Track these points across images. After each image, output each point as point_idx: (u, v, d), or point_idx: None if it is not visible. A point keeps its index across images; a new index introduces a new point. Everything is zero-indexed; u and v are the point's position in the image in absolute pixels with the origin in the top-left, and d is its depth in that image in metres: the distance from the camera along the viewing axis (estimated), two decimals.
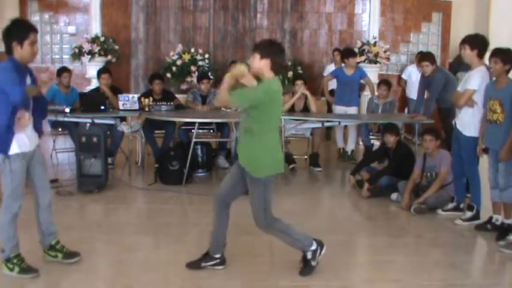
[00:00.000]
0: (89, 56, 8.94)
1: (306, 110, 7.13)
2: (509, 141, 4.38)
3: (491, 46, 4.87)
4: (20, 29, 3.55)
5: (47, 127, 3.80)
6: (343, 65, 7.80)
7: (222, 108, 6.77)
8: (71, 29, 9.68)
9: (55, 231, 3.92)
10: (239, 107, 3.57)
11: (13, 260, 3.67)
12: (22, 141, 3.57)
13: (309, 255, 3.70)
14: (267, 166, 3.56)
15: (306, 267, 3.72)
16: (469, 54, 4.80)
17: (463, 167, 5.04)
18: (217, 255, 3.79)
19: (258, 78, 3.56)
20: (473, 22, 9.39)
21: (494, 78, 4.64)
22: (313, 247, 3.70)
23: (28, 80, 3.62)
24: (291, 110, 7.08)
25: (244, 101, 3.51)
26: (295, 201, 5.70)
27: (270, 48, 3.54)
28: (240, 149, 3.66)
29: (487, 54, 4.82)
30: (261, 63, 3.51)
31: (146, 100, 6.76)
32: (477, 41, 4.81)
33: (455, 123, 5.06)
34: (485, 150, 4.72)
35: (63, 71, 7.28)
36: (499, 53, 4.51)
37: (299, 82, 7.15)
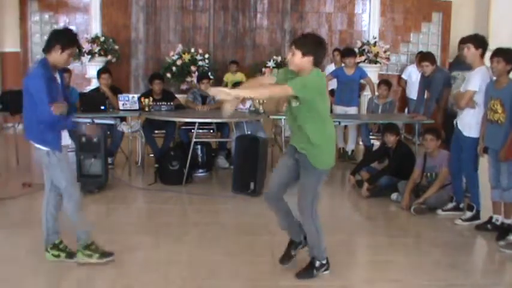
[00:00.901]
0: (89, 56, 8.94)
1: None
2: (509, 141, 4.38)
3: (492, 46, 4.88)
4: (70, 37, 3.70)
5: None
6: (343, 65, 7.80)
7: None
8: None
9: (59, 231, 3.93)
10: (295, 101, 3.39)
11: (91, 246, 3.81)
12: (62, 135, 3.74)
13: (317, 264, 3.69)
14: (328, 157, 3.54)
15: (306, 272, 3.70)
16: (473, 54, 4.78)
17: (461, 167, 5.03)
18: (325, 261, 3.73)
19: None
20: (473, 22, 9.39)
21: (494, 78, 4.64)
22: (324, 261, 3.71)
23: (58, 80, 3.76)
24: None
25: (303, 86, 3.32)
26: (295, 201, 5.69)
27: (313, 45, 3.42)
28: (301, 139, 3.53)
29: (487, 54, 4.83)
30: (303, 60, 3.40)
31: (146, 100, 6.76)
32: (480, 40, 4.81)
33: (456, 123, 5.06)
34: (486, 150, 4.71)
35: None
36: (501, 52, 4.51)
37: None
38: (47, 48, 3.64)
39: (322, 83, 3.50)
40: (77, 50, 3.83)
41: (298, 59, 3.41)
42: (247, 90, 3.57)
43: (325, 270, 3.73)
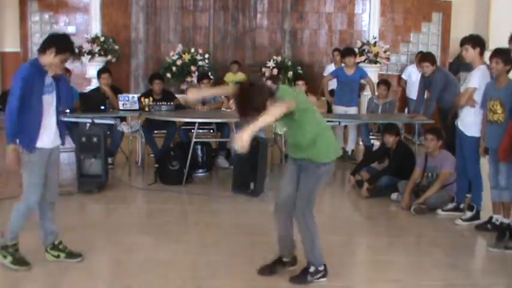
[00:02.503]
0: (89, 56, 8.94)
1: None
2: (505, 142, 4.38)
3: (492, 46, 4.89)
4: (67, 43, 3.70)
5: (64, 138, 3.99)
6: (343, 65, 7.80)
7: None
8: (71, 29, 9.66)
9: (56, 230, 3.94)
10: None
11: (9, 248, 3.73)
12: (44, 137, 3.68)
13: (311, 269, 3.64)
14: (328, 148, 3.53)
15: (300, 277, 3.67)
16: (471, 53, 4.83)
17: (466, 167, 5.04)
18: (321, 268, 3.68)
19: None
20: (473, 22, 9.39)
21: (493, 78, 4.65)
22: (320, 268, 3.66)
23: (48, 80, 3.69)
24: None
25: (291, 99, 3.33)
26: None
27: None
28: (297, 148, 3.57)
29: (487, 54, 4.83)
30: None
31: (146, 100, 6.76)
32: (477, 40, 4.85)
33: (457, 123, 5.06)
34: (487, 150, 4.72)
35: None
36: (500, 53, 4.53)
37: (300, 83, 7.12)
38: (42, 49, 3.64)
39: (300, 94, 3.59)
40: (71, 56, 3.76)
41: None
42: (253, 125, 3.25)
43: (322, 277, 3.66)
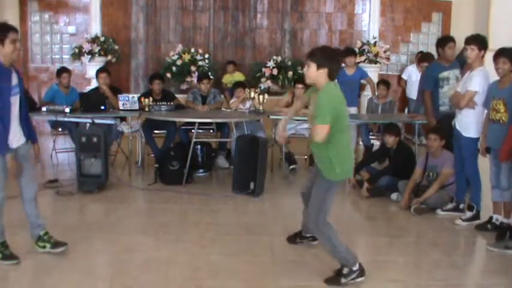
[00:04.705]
0: (89, 56, 8.95)
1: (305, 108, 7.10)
2: (506, 142, 4.37)
3: (491, 46, 4.88)
4: (2, 27, 3.66)
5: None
6: (343, 65, 7.80)
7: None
8: (71, 29, 9.68)
9: (42, 223, 3.99)
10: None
11: None
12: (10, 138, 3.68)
13: (345, 271, 3.62)
14: (337, 172, 3.54)
15: (334, 279, 3.64)
16: (476, 55, 4.79)
17: (463, 167, 5.03)
18: (355, 267, 3.65)
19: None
20: (473, 22, 9.38)
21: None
22: (354, 268, 3.62)
23: (14, 80, 3.68)
24: None
25: (327, 118, 3.39)
26: (295, 202, 5.68)
27: (327, 57, 3.47)
28: (315, 153, 3.72)
29: (487, 54, 4.83)
30: (318, 73, 3.45)
31: (146, 100, 6.75)
32: (484, 42, 4.82)
33: (454, 124, 5.05)
34: (488, 150, 4.71)
35: (62, 71, 7.27)
36: (506, 52, 4.50)
37: (300, 86, 7.05)
38: None
39: (338, 98, 3.52)
40: (15, 32, 3.68)
41: (313, 72, 3.46)
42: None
43: (358, 276, 3.61)
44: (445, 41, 5.92)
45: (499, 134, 4.49)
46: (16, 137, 3.74)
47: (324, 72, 3.44)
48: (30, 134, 3.91)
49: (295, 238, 4.35)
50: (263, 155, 5.85)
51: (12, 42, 3.62)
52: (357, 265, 3.63)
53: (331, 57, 3.49)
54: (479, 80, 4.75)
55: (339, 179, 3.63)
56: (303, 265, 3.91)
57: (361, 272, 3.64)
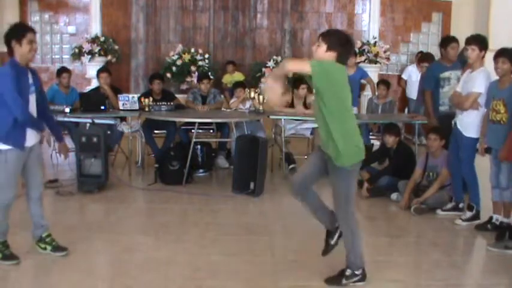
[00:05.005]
0: (89, 56, 8.95)
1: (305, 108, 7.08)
2: (508, 141, 4.37)
3: (492, 46, 4.88)
4: (18, 29, 3.72)
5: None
6: None
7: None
8: (71, 29, 9.69)
9: (45, 224, 3.99)
10: (315, 84, 3.23)
11: None
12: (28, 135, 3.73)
13: (348, 272, 3.59)
14: (352, 152, 3.36)
15: (335, 279, 3.63)
16: (477, 55, 4.79)
17: (461, 167, 5.03)
18: (358, 272, 3.59)
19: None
20: (473, 22, 9.39)
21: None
22: (357, 272, 3.59)
23: (30, 79, 3.74)
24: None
25: (316, 64, 3.19)
26: (295, 202, 5.69)
27: (340, 42, 3.30)
28: (321, 136, 3.46)
29: (487, 54, 4.83)
30: (326, 55, 3.29)
31: (146, 100, 6.75)
32: (484, 43, 4.81)
33: (455, 123, 5.05)
34: (488, 150, 4.71)
35: (62, 71, 7.27)
36: (506, 53, 4.49)
37: (303, 86, 6.99)
38: (9, 51, 3.66)
39: (341, 74, 3.31)
40: (33, 33, 3.73)
41: (321, 52, 3.31)
42: (277, 69, 3.39)
43: (359, 281, 3.58)
44: (447, 41, 5.93)
45: (500, 134, 4.48)
46: (32, 136, 3.78)
47: (332, 55, 3.29)
48: (54, 131, 3.99)
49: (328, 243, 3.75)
50: (263, 155, 5.85)
51: (29, 42, 3.66)
52: (361, 270, 3.62)
53: (344, 43, 3.34)
54: (482, 81, 4.75)
55: (353, 161, 3.39)
56: (303, 265, 3.91)
57: (363, 278, 3.63)
